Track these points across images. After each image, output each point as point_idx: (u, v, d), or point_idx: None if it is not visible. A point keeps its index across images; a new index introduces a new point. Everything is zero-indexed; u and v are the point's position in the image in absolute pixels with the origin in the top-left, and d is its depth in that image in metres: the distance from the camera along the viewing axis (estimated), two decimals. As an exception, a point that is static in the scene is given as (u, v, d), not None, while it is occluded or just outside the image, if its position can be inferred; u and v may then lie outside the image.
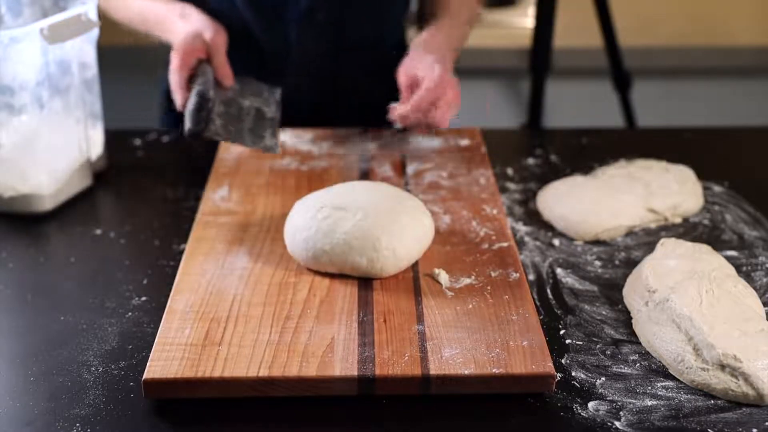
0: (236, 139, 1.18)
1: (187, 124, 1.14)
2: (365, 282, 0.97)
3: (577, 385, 0.87)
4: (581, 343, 0.93)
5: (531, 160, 1.33)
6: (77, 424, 0.81)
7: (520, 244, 1.11)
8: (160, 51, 1.33)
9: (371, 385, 0.84)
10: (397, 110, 1.19)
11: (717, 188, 1.24)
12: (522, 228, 1.14)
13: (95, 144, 1.28)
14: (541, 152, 1.36)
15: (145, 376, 0.83)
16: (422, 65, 1.21)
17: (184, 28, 1.26)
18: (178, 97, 1.21)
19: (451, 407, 0.84)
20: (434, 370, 0.84)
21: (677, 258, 1.00)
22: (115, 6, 1.36)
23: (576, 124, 2.03)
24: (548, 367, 0.85)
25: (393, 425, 0.82)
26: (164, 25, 1.30)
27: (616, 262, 1.08)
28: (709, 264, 0.98)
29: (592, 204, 1.12)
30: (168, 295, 0.95)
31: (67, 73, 1.18)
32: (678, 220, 1.16)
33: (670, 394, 0.86)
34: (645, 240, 1.12)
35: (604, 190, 1.15)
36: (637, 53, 2.38)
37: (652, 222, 1.15)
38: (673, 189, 1.17)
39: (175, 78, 1.21)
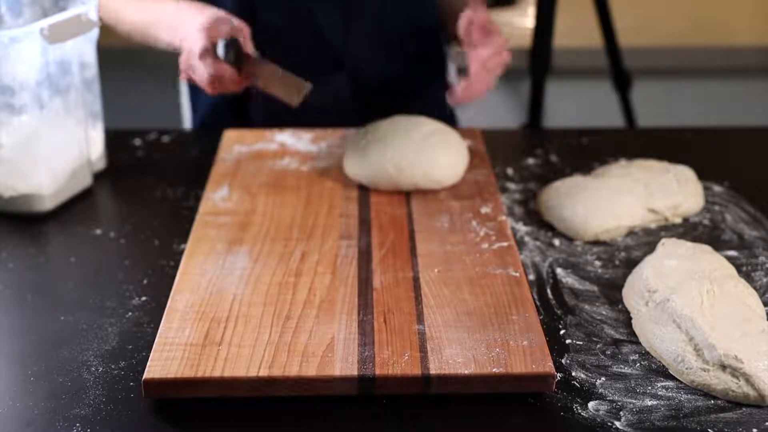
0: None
1: (220, 47, 1.11)
2: (365, 282, 0.97)
3: (577, 385, 0.87)
4: (581, 343, 0.93)
5: (531, 160, 1.33)
6: (77, 424, 0.81)
7: (520, 244, 1.11)
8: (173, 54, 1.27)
9: (371, 385, 0.84)
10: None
11: (717, 188, 1.24)
12: (522, 228, 1.14)
13: (95, 144, 1.28)
14: (541, 152, 1.36)
15: (145, 376, 0.83)
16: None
17: (204, 15, 1.18)
18: (205, 65, 1.12)
19: (451, 407, 0.84)
20: (434, 369, 0.84)
21: (678, 258, 1.00)
22: (114, 19, 1.33)
23: (576, 124, 2.03)
24: (548, 366, 0.85)
25: (393, 425, 0.82)
26: (175, 23, 1.22)
27: (616, 262, 1.08)
28: (710, 264, 0.98)
29: (592, 204, 1.12)
30: (168, 295, 0.95)
31: (67, 73, 1.18)
32: (678, 220, 1.16)
33: (670, 394, 0.86)
34: (645, 240, 1.12)
35: (604, 190, 1.15)
36: (637, 53, 2.38)
37: (653, 222, 1.15)
38: (673, 189, 1.17)
39: (197, 53, 1.13)
